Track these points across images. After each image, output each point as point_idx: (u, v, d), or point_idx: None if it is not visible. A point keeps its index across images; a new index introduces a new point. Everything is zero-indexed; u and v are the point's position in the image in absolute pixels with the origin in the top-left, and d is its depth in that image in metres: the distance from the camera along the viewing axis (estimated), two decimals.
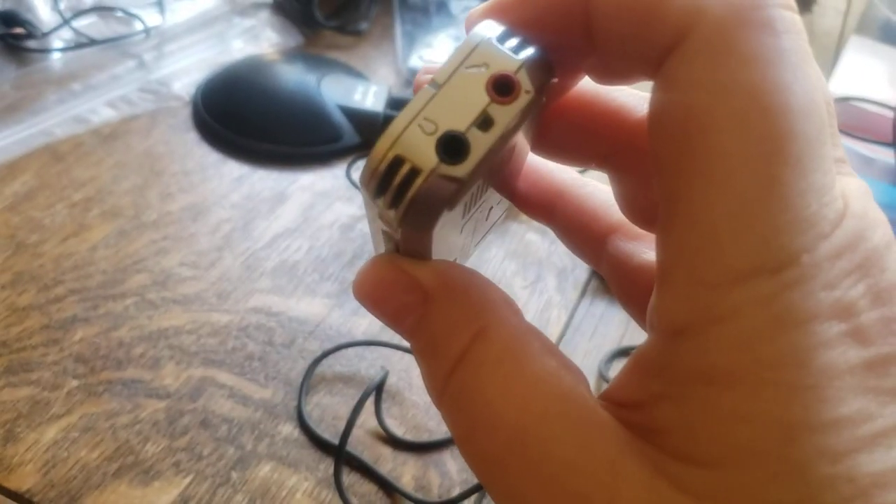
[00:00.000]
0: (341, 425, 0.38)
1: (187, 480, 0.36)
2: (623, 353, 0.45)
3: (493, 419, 0.15)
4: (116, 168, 0.52)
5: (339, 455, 0.37)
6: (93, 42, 0.60)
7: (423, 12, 0.71)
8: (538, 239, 0.52)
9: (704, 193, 0.13)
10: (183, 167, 0.53)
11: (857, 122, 0.63)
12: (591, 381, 0.44)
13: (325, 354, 0.42)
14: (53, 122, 0.54)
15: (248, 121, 0.56)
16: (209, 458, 0.37)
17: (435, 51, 0.65)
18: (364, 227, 0.51)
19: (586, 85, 0.19)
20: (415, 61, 0.64)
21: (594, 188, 0.22)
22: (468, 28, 0.16)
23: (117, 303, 0.43)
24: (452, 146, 0.15)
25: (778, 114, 0.13)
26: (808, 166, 0.13)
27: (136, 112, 0.57)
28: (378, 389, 0.40)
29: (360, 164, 0.54)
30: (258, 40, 0.66)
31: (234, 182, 0.53)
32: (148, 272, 0.45)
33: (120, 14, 0.64)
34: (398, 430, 0.40)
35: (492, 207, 0.21)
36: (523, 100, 0.15)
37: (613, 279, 0.22)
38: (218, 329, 0.43)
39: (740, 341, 0.13)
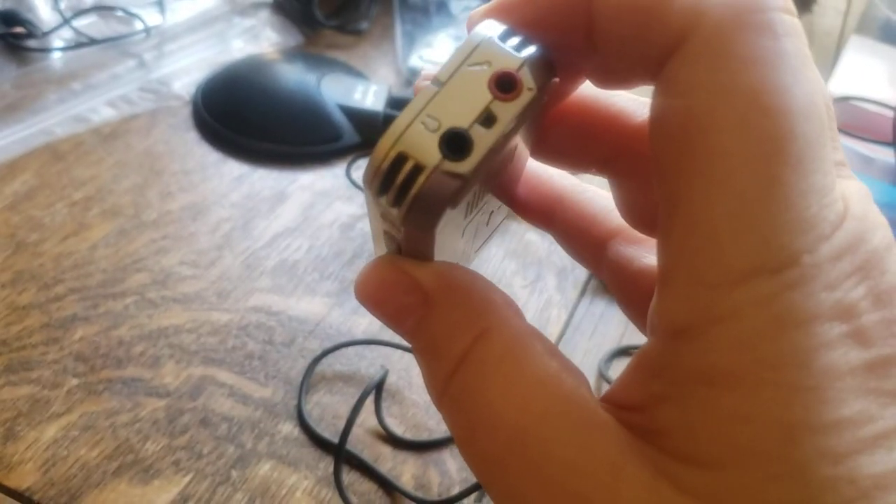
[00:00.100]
0: (341, 424, 0.38)
1: (187, 479, 0.36)
2: (623, 352, 0.45)
3: (494, 420, 0.15)
4: (116, 167, 0.52)
5: (339, 454, 0.37)
6: (93, 41, 0.60)
7: (423, 12, 0.71)
8: (538, 238, 0.52)
9: (705, 194, 0.14)
10: (183, 166, 0.53)
11: (857, 121, 0.63)
12: (591, 380, 0.44)
13: (325, 353, 0.42)
14: (54, 121, 0.54)
15: (248, 120, 0.56)
16: (209, 456, 0.37)
17: (435, 50, 0.65)
18: (364, 226, 0.51)
19: (586, 90, 0.19)
20: (415, 61, 0.64)
21: (594, 193, 0.22)
22: (469, 28, 0.16)
23: (117, 302, 0.43)
24: (455, 143, 0.15)
25: (778, 115, 0.13)
26: (808, 167, 0.13)
27: (136, 111, 0.57)
28: (378, 388, 0.40)
29: (361, 164, 0.55)
30: (258, 40, 0.66)
31: (234, 181, 0.53)
32: (148, 271, 0.45)
33: (120, 13, 0.64)
34: (398, 429, 0.40)
35: (492, 212, 0.21)
36: (526, 97, 0.15)
37: (614, 283, 0.22)
38: (218, 328, 0.43)
39: (741, 341, 0.13)
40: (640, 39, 0.15)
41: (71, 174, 0.51)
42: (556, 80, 0.16)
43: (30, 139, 0.53)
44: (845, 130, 0.62)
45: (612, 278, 0.22)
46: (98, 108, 0.56)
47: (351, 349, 0.43)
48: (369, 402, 0.39)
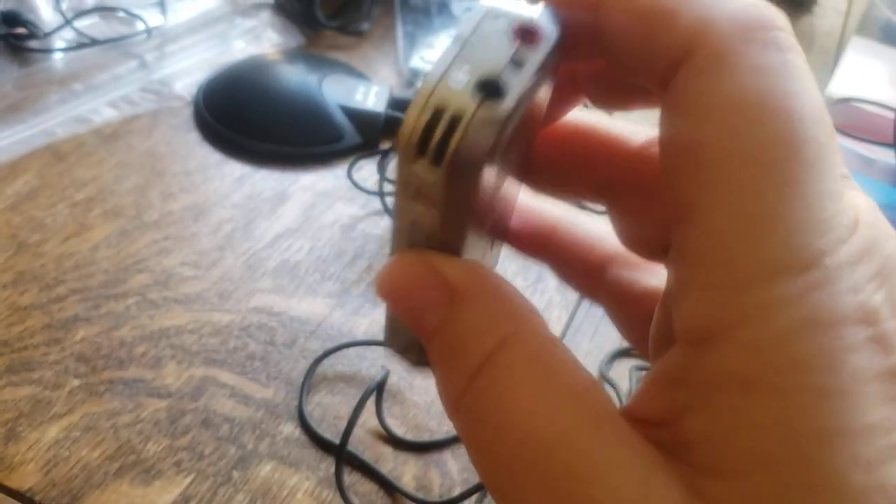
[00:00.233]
0: (342, 425, 0.38)
1: (188, 480, 0.36)
2: (624, 353, 0.45)
3: (517, 430, 0.15)
4: (118, 168, 0.52)
5: (340, 455, 0.37)
6: (94, 42, 0.60)
7: (424, 13, 0.71)
8: None
9: (721, 197, 0.14)
10: (184, 167, 0.53)
11: (857, 122, 0.63)
12: None
13: (327, 354, 0.42)
14: (55, 121, 0.54)
15: (250, 121, 0.56)
16: (210, 457, 0.37)
17: (436, 51, 0.66)
18: (365, 227, 0.51)
19: (582, 116, 0.20)
20: (416, 62, 0.64)
21: (587, 220, 0.22)
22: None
23: (119, 302, 0.43)
24: (489, 89, 0.15)
25: (791, 118, 0.13)
26: (822, 171, 0.13)
27: (137, 112, 0.57)
28: (379, 389, 0.40)
29: (362, 164, 0.55)
30: (259, 41, 0.66)
31: (235, 182, 0.53)
32: (149, 272, 0.45)
33: (121, 14, 0.64)
34: (399, 430, 0.40)
35: (493, 243, 0.21)
36: (548, 42, 0.15)
37: (613, 308, 0.22)
38: (219, 329, 0.43)
39: (768, 343, 0.13)
40: (647, 47, 0.15)
41: (72, 175, 0.51)
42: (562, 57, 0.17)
43: (31, 140, 0.53)
44: (846, 131, 0.62)
45: (611, 303, 0.22)
46: (99, 108, 0.56)
47: (352, 350, 0.43)
48: (370, 403, 0.39)
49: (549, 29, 0.16)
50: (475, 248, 0.18)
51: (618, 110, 0.19)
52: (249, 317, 0.44)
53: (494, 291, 0.16)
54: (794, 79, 0.14)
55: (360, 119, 0.57)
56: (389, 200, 0.51)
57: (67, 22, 0.61)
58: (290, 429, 0.39)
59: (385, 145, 0.56)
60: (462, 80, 0.15)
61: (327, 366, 0.42)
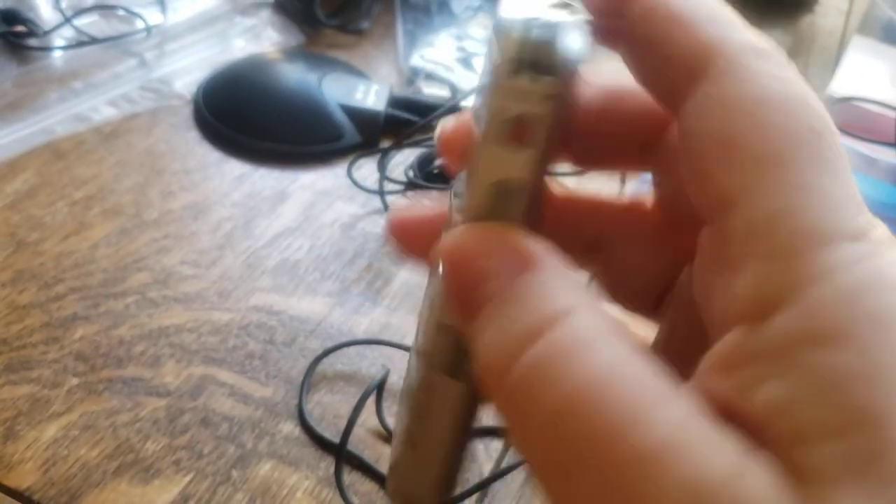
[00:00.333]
0: (342, 424, 0.38)
1: (188, 479, 0.36)
2: None
3: (593, 403, 0.13)
4: (117, 166, 0.52)
5: (340, 454, 0.37)
6: (94, 40, 0.60)
7: (424, 11, 0.71)
8: None
9: (765, 178, 0.14)
10: (184, 166, 0.53)
11: (859, 122, 0.63)
12: None
13: (326, 353, 0.42)
14: (54, 120, 0.54)
15: (250, 119, 0.56)
16: (209, 456, 0.37)
17: (436, 50, 0.65)
18: (365, 226, 0.51)
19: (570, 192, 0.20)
20: (416, 60, 0.64)
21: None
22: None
23: (118, 301, 0.43)
24: (561, 4, 0.15)
25: (817, 111, 0.14)
26: (845, 158, 0.14)
27: (137, 110, 0.57)
28: (379, 388, 0.40)
29: (362, 163, 0.54)
30: (259, 39, 0.66)
31: (235, 181, 0.53)
32: (149, 270, 0.45)
33: (121, 12, 0.64)
34: None
35: None
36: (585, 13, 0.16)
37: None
38: (219, 327, 0.43)
39: (840, 299, 0.13)
40: (666, 51, 0.16)
41: (72, 173, 0.51)
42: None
43: (31, 138, 0.53)
44: (847, 131, 0.62)
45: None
46: (99, 106, 0.56)
47: (352, 349, 0.43)
48: (370, 402, 0.39)
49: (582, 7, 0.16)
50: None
51: (601, 170, 0.20)
52: (249, 315, 0.44)
53: (564, 266, 0.15)
54: (803, 83, 0.15)
55: (359, 118, 0.57)
56: (389, 199, 0.51)
57: (67, 20, 0.61)
58: (290, 428, 0.39)
59: (385, 144, 0.56)
60: (529, 17, 0.15)
61: (327, 365, 0.42)
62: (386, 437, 0.39)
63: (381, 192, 0.51)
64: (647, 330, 0.20)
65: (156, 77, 0.59)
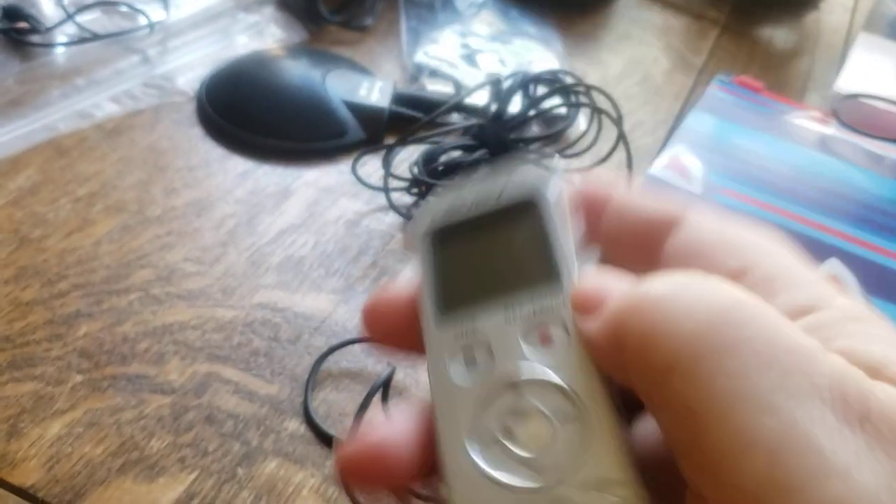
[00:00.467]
0: (348, 422, 0.38)
1: (192, 476, 0.36)
2: None
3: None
4: (120, 163, 0.52)
5: None
6: (96, 37, 0.60)
7: (428, 8, 0.70)
8: None
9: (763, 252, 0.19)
10: (187, 162, 0.53)
11: (865, 119, 0.62)
12: None
13: (332, 350, 0.42)
14: (57, 116, 0.54)
15: (253, 116, 0.56)
16: (214, 453, 0.37)
17: (440, 47, 0.65)
18: (369, 222, 0.51)
19: None
20: (420, 57, 0.64)
21: None
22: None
23: (121, 298, 0.43)
24: None
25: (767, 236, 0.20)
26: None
27: (139, 107, 0.56)
28: (385, 386, 0.39)
29: (366, 160, 0.54)
30: (262, 36, 0.65)
31: (238, 177, 0.52)
32: (152, 267, 0.45)
33: (124, 9, 0.63)
34: None
35: None
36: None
37: None
38: (223, 324, 0.43)
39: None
40: (644, 218, 0.21)
41: (74, 170, 0.51)
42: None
43: (33, 135, 0.52)
44: (854, 128, 0.61)
45: None
46: (101, 103, 0.56)
47: (357, 346, 0.42)
48: (376, 400, 0.39)
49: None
50: None
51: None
52: (253, 313, 0.44)
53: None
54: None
55: (363, 114, 0.56)
56: (394, 196, 0.51)
57: (69, 16, 0.60)
58: (295, 425, 0.38)
59: (389, 140, 0.56)
60: None
61: (332, 362, 0.42)
62: None
63: (386, 189, 0.51)
64: None
65: (158, 74, 0.59)
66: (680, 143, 0.58)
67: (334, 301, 0.45)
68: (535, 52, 0.67)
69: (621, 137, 0.53)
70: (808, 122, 0.62)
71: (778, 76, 0.73)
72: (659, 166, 0.55)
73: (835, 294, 0.18)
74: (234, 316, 0.43)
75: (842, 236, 0.50)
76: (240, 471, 0.36)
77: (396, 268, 0.48)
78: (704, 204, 0.52)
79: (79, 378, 0.39)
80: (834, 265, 0.49)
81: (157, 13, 0.63)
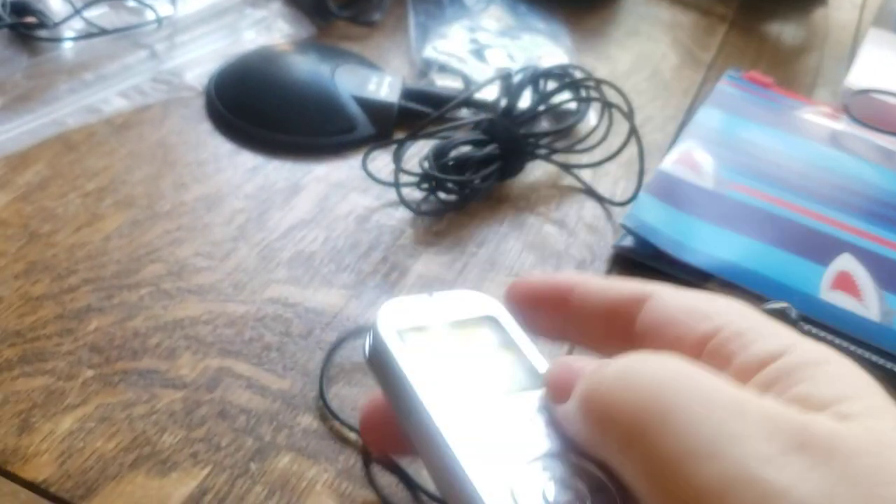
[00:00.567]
0: None
1: (205, 472, 0.35)
2: None
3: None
4: (129, 158, 0.52)
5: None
6: (104, 32, 0.60)
7: (436, 3, 0.70)
8: (556, 231, 0.52)
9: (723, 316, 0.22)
10: (196, 157, 0.52)
11: (875, 114, 0.62)
12: None
13: (342, 340, 0.41)
14: (65, 111, 0.54)
15: (262, 111, 0.56)
16: (227, 448, 0.36)
17: (449, 42, 0.65)
18: (380, 218, 0.50)
19: None
20: (429, 52, 0.64)
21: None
22: None
23: (132, 293, 0.43)
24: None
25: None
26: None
27: (148, 102, 0.56)
28: None
29: (376, 155, 0.54)
30: (270, 31, 0.65)
31: (248, 172, 0.52)
32: (162, 262, 0.45)
33: (131, 4, 0.63)
34: None
35: None
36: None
37: None
38: (234, 319, 0.42)
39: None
40: (613, 298, 0.24)
41: (83, 165, 0.50)
42: None
43: (42, 129, 0.52)
44: (864, 123, 0.61)
45: None
46: (110, 98, 0.56)
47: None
48: None
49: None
50: None
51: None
52: (264, 308, 0.43)
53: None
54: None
55: (373, 109, 0.56)
56: (405, 191, 0.51)
57: (77, 11, 0.60)
58: (308, 420, 0.38)
59: (399, 136, 0.56)
60: None
61: (344, 357, 0.41)
62: None
63: (397, 184, 0.50)
64: None
65: (167, 69, 0.59)
66: (691, 138, 0.58)
67: (345, 296, 0.45)
68: (543, 47, 0.67)
69: (633, 132, 0.53)
70: (818, 117, 0.62)
71: (787, 72, 0.72)
72: (670, 162, 0.55)
73: (800, 340, 0.20)
74: (246, 311, 0.43)
75: (854, 231, 0.50)
76: (253, 466, 0.36)
77: (407, 263, 0.47)
78: (716, 201, 0.52)
79: (90, 373, 0.38)
80: (846, 261, 0.48)
81: (164, 8, 0.63)
